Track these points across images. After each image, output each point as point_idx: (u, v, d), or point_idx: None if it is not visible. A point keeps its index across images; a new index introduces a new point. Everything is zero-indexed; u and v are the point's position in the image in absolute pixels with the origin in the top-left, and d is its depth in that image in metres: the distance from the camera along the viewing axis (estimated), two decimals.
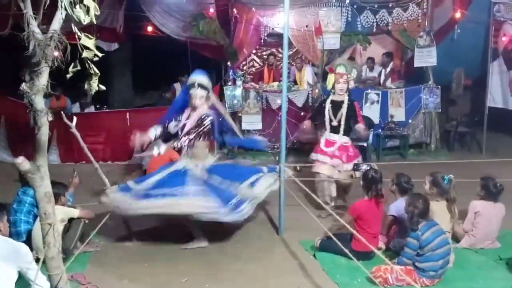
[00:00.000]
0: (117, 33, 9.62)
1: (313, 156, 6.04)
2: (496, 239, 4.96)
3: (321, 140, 6.03)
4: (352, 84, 6.33)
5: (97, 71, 2.71)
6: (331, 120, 5.94)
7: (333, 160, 5.86)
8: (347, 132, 5.95)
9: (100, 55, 2.75)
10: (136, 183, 4.95)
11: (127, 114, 8.88)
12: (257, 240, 5.22)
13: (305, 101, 8.96)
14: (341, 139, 5.92)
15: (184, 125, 5.13)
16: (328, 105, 5.99)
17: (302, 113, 8.73)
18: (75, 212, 4.63)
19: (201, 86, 5.06)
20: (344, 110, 5.90)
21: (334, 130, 5.96)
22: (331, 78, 6.07)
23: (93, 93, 2.77)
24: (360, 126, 5.93)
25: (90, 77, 2.70)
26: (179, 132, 5.16)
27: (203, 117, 5.08)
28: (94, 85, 2.70)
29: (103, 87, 2.75)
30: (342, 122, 5.90)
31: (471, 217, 4.90)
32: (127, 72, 11.38)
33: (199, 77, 5.14)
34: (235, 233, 5.41)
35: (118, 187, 4.92)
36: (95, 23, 2.66)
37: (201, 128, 5.07)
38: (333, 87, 6.01)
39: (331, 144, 5.93)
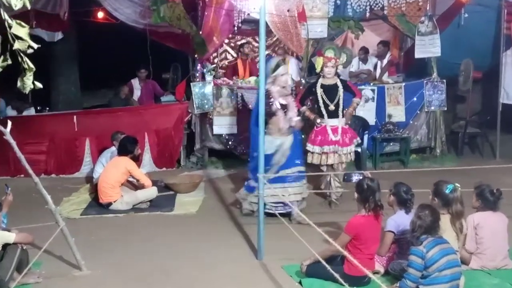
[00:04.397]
0: (61, 20, 9.51)
1: (317, 149, 6.75)
2: (510, 258, 5.01)
3: (327, 129, 6.77)
4: (340, 69, 7.08)
5: (31, 66, 2.67)
6: (327, 105, 6.77)
7: (333, 147, 6.72)
8: (342, 114, 6.84)
9: (36, 46, 2.70)
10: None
11: (74, 117, 8.82)
12: (232, 265, 5.20)
13: None
14: (340, 122, 6.79)
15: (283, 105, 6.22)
16: (319, 90, 6.80)
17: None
18: (11, 237, 4.56)
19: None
20: (341, 92, 6.78)
21: (332, 114, 6.79)
22: (319, 61, 6.76)
23: (27, 92, 2.72)
24: (357, 100, 7.00)
25: (24, 73, 2.65)
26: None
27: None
28: (29, 82, 2.66)
29: (39, 85, 2.71)
30: (341, 106, 6.77)
31: (471, 233, 4.94)
32: (73, 67, 11.27)
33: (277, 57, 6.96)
34: (206, 257, 5.39)
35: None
36: (29, 8, 2.62)
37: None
38: (322, 70, 6.78)
39: (335, 131, 6.75)
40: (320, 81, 6.84)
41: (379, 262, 4.87)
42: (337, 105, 6.79)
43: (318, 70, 6.88)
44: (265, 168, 5.48)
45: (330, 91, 6.82)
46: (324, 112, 6.82)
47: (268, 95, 6.09)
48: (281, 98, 6.23)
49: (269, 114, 6.08)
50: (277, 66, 6.29)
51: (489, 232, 4.93)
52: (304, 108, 6.93)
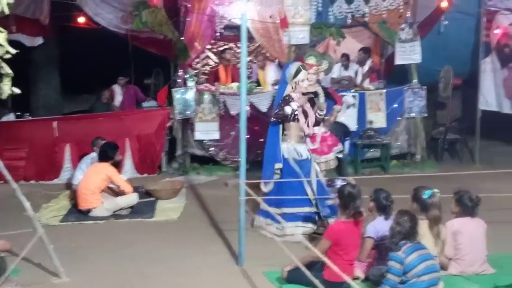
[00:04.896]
0: (42, 25, 9.47)
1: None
2: (489, 263, 5.07)
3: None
4: (322, 76, 7.07)
5: (9, 71, 2.65)
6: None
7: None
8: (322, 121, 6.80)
9: (14, 51, 2.69)
10: None
11: (55, 123, 8.72)
12: (212, 272, 5.19)
13: (271, 105, 8.99)
14: (319, 130, 6.73)
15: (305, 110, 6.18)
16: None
17: (267, 120, 8.74)
18: None
19: (304, 68, 6.20)
20: (321, 100, 6.59)
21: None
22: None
23: (4, 97, 2.70)
24: (338, 108, 7.15)
25: (1, 79, 2.64)
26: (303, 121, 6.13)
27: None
28: (6, 87, 2.64)
29: (17, 91, 2.69)
30: (321, 113, 6.56)
31: (450, 239, 4.99)
32: (54, 72, 11.20)
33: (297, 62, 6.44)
34: (186, 263, 5.38)
35: None
36: (7, 12, 2.60)
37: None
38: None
39: (314, 139, 6.70)
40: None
41: (359, 268, 4.89)
42: (317, 113, 6.75)
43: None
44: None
45: (310, 98, 6.78)
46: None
47: (288, 100, 6.07)
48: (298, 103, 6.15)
49: (287, 119, 6.07)
50: (298, 72, 6.14)
51: (468, 238, 4.98)
52: None
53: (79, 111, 10.63)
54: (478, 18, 9.67)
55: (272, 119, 6.25)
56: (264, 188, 6.14)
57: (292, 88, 6.15)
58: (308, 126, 6.24)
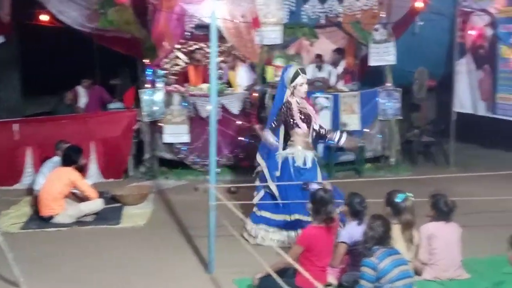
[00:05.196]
0: (2, 23, 9.32)
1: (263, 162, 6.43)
2: (464, 268, 5.13)
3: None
4: None
5: None
6: None
7: None
8: None
9: None
10: None
11: (15, 125, 8.57)
12: (181, 280, 5.16)
13: (242, 107, 8.98)
14: None
15: (306, 114, 6.04)
16: (269, 101, 6.74)
17: (238, 122, 8.75)
18: None
19: (305, 72, 6.14)
20: None
21: None
22: (269, 70, 6.53)
23: None
24: None
25: None
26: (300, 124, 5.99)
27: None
28: None
29: None
30: None
31: (425, 244, 5.04)
32: (15, 72, 11.04)
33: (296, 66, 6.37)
34: (154, 271, 5.33)
35: None
36: None
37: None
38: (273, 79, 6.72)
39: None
40: (270, 91, 6.73)
41: (332, 274, 4.90)
42: None
43: (268, 79, 6.77)
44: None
45: None
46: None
47: (288, 107, 6.02)
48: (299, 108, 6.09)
49: (290, 126, 6.03)
50: (296, 76, 6.03)
51: (443, 243, 5.03)
52: (257, 126, 6.75)
53: (41, 113, 10.49)
54: (453, 19, 9.78)
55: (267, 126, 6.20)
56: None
57: (291, 92, 6.08)
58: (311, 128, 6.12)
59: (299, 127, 6.01)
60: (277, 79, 6.60)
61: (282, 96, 6.14)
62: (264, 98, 6.81)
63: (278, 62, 6.61)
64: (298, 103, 6.06)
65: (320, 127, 6.25)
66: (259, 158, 6.28)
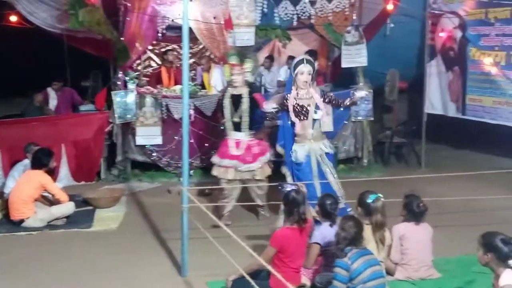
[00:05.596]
0: None
1: (217, 160, 6.67)
2: (435, 268, 5.20)
3: (229, 142, 6.69)
4: (249, 77, 6.80)
5: None
6: (232, 117, 6.64)
7: (233, 162, 6.58)
8: (249, 128, 6.69)
9: None
10: None
11: None
12: (154, 283, 5.13)
13: (216, 109, 8.94)
14: (244, 136, 6.66)
15: (302, 106, 6.01)
16: (227, 100, 6.65)
17: (212, 124, 8.72)
18: None
19: (309, 62, 6.03)
20: (245, 105, 6.60)
21: (237, 127, 6.66)
22: (226, 69, 6.73)
23: None
24: (268, 123, 6.72)
25: None
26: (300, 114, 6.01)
27: (325, 92, 6.29)
28: None
29: None
30: (244, 118, 6.61)
31: (397, 244, 5.10)
32: None
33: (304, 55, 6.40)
34: (127, 275, 5.30)
35: None
36: None
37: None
38: (231, 79, 6.68)
39: (238, 145, 6.64)
40: (230, 90, 6.71)
41: (305, 275, 4.93)
42: (240, 118, 6.63)
43: (227, 78, 6.81)
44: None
45: (237, 102, 6.65)
46: (230, 124, 6.70)
47: (286, 99, 6.04)
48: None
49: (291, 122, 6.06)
50: (298, 64, 6.00)
51: (414, 243, 5.09)
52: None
53: (11, 115, 10.28)
54: (423, 21, 9.91)
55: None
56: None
57: (294, 81, 6.08)
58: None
59: (294, 122, 6.06)
60: (233, 77, 6.59)
61: (289, 87, 6.17)
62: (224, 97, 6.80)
63: (232, 60, 6.61)
64: (297, 95, 6.05)
65: (332, 98, 6.34)
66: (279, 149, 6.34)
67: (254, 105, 6.63)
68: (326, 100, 6.21)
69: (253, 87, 6.93)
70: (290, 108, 6.04)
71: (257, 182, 6.70)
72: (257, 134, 6.79)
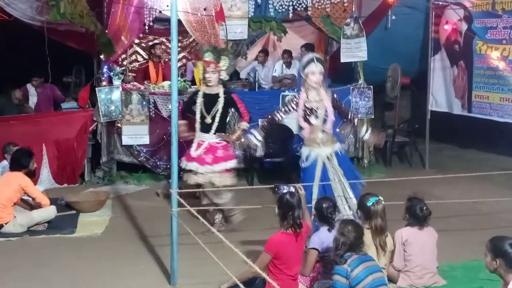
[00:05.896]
0: None
1: (183, 163, 6.49)
2: (440, 275, 5.20)
3: (193, 143, 6.62)
4: (224, 76, 6.69)
5: None
6: (204, 117, 6.53)
7: (192, 164, 6.47)
8: (220, 130, 6.60)
9: None
10: None
11: None
12: None
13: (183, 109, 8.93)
14: (211, 138, 6.54)
15: (311, 109, 5.98)
16: (200, 99, 6.56)
17: None
18: None
19: (319, 60, 5.99)
20: (220, 105, 6.52)
21: (206, 128, 6.54)
22: (199, 65, 6.59)
23: None
24: (243, 125, 6.64)
25: None
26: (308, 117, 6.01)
27: (335, 96, 6.19)
28: None
29: None
30: (217, 120, 6.52)
31: (400, 250, 5.10)
32: None
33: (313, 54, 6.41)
34: (113, 284, 5.29)
35: None
36: None
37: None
38: (204, 77, 6.57)
39: (199, 146, 6.55)
40: (203, 89, 6.61)
41: (303, 283, 4.92)
42: (213, 119, 6.52)
43: (200, 76, 6.77)
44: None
45: (210, 102, 6.54)
46: (198, 124, 6.58)
47: (296, 102, 6.04)
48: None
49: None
50: (308, 63, 5.97)
51: (418, 249, 5.08)
52: (181, 122, 6.38)
53: None
54: (427, 13, 9.89)
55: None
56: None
57: (303, 81, 6.05)
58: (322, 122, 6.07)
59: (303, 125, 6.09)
60: (207, 75, 6.48)
61: (299, 86, 6.20)
62: (192, 97, 6.73)
63: (207, 57, 6.49)
64: (307, 97, 6.01)
65: (340, 105, 6.29)
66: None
67: (230, 106, 6.66)
68: (334, 105, 6.16)
69: (228, 87, 6.90)
70: (300, 113, 6.05)
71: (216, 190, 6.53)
72: (227, 137, 6.68)
